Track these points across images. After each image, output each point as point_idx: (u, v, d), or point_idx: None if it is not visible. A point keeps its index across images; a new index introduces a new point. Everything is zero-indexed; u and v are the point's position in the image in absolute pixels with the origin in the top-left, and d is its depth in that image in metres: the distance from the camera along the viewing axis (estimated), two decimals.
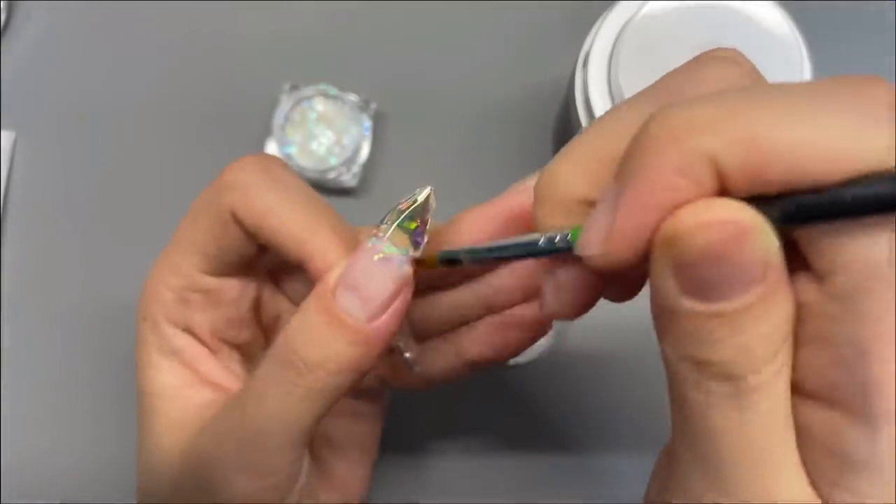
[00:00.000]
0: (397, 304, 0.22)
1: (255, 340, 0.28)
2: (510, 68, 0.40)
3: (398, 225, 0.23)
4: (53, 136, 0.39)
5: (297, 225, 0.24)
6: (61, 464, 0.37)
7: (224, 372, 0.26)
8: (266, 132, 0.38)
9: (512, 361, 0.37)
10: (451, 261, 0.22)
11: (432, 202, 0.24)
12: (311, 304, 0.22)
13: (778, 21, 0.27)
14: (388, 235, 0.23)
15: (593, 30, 0.30)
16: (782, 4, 0.27)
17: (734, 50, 0.17)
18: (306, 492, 0.26)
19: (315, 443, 0.28)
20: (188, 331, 0.26)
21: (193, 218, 0.26)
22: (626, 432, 0.36)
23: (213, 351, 0.27)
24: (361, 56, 0.40)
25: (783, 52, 0.27)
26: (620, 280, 0.19)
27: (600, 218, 0.16)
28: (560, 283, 0.19)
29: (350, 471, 0.30)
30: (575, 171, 0.18)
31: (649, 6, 0.27)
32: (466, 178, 0.39)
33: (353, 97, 0.38)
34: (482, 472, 0.37)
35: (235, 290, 0.27)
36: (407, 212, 0.23)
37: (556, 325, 0.36)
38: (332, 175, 0.37)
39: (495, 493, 0.37)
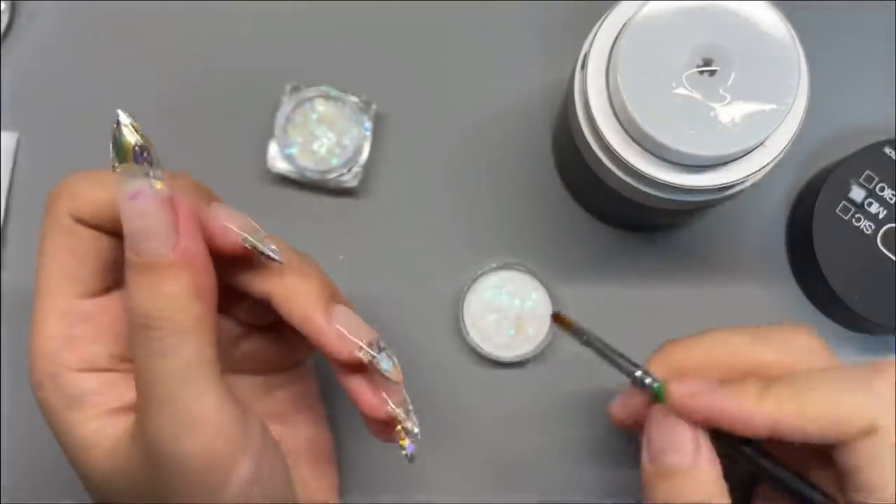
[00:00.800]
0: (184, 222, 0.23)
1: None
2: (510, 69, 0.40)
3: (121, 160, 0.23)
4: (56, 137, 0.40)
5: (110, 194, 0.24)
6: (61, 464, 0.37)
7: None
8: (267, 133, 0.38)
9: (509, 359, 0.37)
10: (576, 333, 0.28)
11: (127, 121, 0.24)
12: (126, 273, 0.23)
13: (776, 23, 0.27)
14: (123, 174, 0.23)
15: (592, 31, 0.30)
16: (780, 6, 0.28)
17: (807, 330, 0.28)
18: (280, 468, 0.26)
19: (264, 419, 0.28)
20: (87, 369, 0.25)
21: (43, 251, 0.25)
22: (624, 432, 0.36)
23: (121, 372, 0.26)
24: (362, 57, 0.40)
25: (780, 54, 0.27)
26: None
27: (693, 387, 0.26)
28: (631, 400, 0.28)
29: (310, 430, 0.31)
30: (691, 357, 0.27)
31: (648, 8, 0.27)
32: (466, 179, 0.39)
33: (353, 98, 0.38)
34: (478, 472, 0.37)
35: (116, 305, 0.26)
36: (120, 142, 0.24)
37: (553, 324, 0.36)
38: (333, 176, 0.38)
39: (490, 492, 0.37)
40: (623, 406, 0.29)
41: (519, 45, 0.40)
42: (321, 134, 0.38)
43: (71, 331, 0.25)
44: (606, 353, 0.27)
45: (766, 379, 0.25)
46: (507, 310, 0.37)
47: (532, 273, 0.37)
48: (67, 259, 0.25)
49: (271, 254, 0.25)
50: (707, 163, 0.28)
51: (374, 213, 0.39)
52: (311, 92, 0.38)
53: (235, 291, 0.27)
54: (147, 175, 0.23)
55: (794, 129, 0.29)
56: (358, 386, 0.27)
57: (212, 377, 0.24)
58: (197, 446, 0.23)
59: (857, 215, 0.36)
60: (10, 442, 0.37)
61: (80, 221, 0.25)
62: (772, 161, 0.29)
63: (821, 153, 0.39)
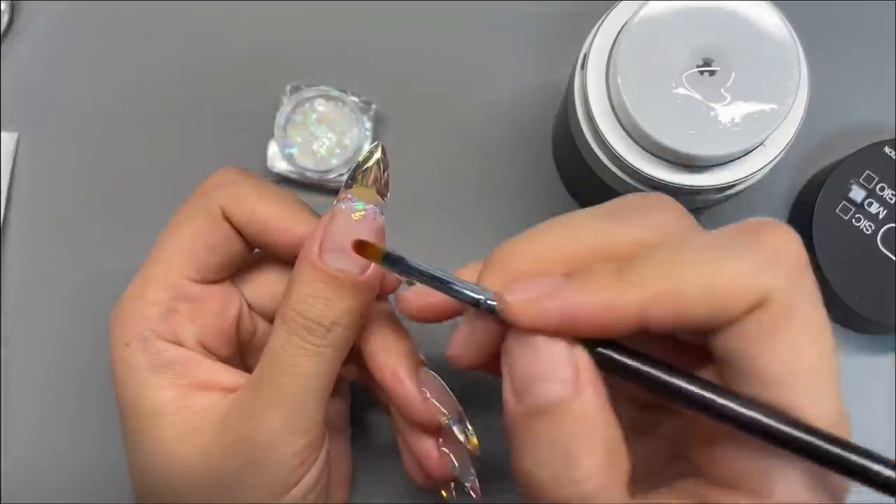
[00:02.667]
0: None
1: (234, 356, 0.28)
2: (510, 69, 0.40)
3: (362, 183, 0.25)
4: (56, 137, 0.40)
5: (283, 213, 0.26)
6: (61, 464, 0.37)
7: (222, 370, 0.27)
8: (267, 133, 0.38)
9: None
10: (393, 263, 0.22)
11: (385, 155, 0.26)
12: (303, 274, 0.24)
13: (775, 23, 0.27)
14: (356, 195, 0.25)
15: (592, 31, 0.30)
16: (780, 6, 0.28)
17: (667, 198, 0.22)
18: (328, 473, 0.27)
19: None
20: (177, 343, 0.26)
21: (178, 225, 0.27)
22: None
23: (204, 355, 0.27)
24: (362, 57, 0.40)
25: (780, 54, 0.27)
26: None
27: (532, 290, 0.20)
28: (475, 333, 0.22)
29: (332, 449, 0.31)
30: (528, 254, 0.21)
31: (647, 8, 0.28)
32: (466, 179, 0.39)
33: (353, 98, 0.38)
34: (478, 472, 0.37)
35: (220, 298, 0.27)
36: (366, 167, 0.25)
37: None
38: (333, 176, 0.38)
39: (490, 492, 0.37)
40: (466, 342, 0.22)
41: (519, 45, 0.40)
42: (321, 134, 0.38)
43: (172, 304, 0.26)
44: (431, 278, 0.21)
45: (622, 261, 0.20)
46: None
47: None
48: (199, 242, 0.26)
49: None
50: (707, 163, 0.28)
51: None
52: (311, 92, 0.38)
53: None
54: (381, 203, 0.25)
55: (794, 129, 0.29)
56: (426, 447, 0.27)
57: (328, 393, 0.25)
58: (297, 449, 0.25)
59: (856, 215, 0.36)
60: (10, 442, 0.37)
61: (227, 218, 0.26)
62: (772, 161, 0.29)
63: (820, 153, 0.39)
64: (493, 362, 0.22)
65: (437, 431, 0.27)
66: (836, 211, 0.36)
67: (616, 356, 0.20)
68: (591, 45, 0.29)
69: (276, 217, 0.26)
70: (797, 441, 0.19)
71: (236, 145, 0.39)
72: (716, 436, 0.20)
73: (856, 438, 0.35)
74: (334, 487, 0.31)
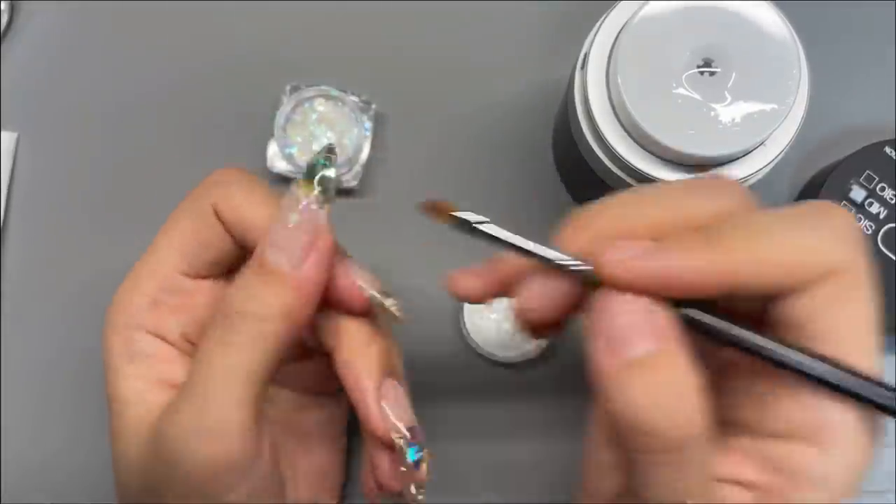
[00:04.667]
0: (318, 252, 0.25)
1: None
2: (510, 69, 0.40)
3: (306, 178, 0.25)
4: (56, 137, 0.40)
5: (266, 216, 0.26)
6: (61, 464, 0.37)
7: None
8: (267, 133, 0.38)
9: (509, 359, 0.37)
10: (461, 225, 0.23)
11: (333, 155, 0.26)
12: (246, 267, 0.25)
13: (776, 23, 0.27)
14: (298, 190, 0.25)
15: (592, 31, 0.30)
16: (780, 6, 0.28)
17: (732, 182, 0.23)
18: (276, 485, 0.26)
19: (283, 438, 0.29)
20: (158, 335, 0.27)
21: (174, 220, 0.27)
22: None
23: (182, 352, 0.27)
24: (362, 57, 0.40)
25: (780, 54, 0.27)
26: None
27: (626, 251, 0.21)
28: (548, 291, 0.23)
29: (325, 459, 0.32)
30: (615, 218, 0.22)
31: (648, 8, 0.27)
32: (466, 179, 0.39)
33: (353, 98, 0.38)
34: (477, 472, 0.37)
35: (209, 293, 0.27)
36: (313, 168, 0.25)
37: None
38: None
39: (489, 492, 0.37)
40: (541, 298, 0.23)
41: (519, 45, 0.40)
42: (321, 134, 0.38)
43: (159, 295, 0.27)
44: (509, 241, 0.22)
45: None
46: (507, 310, 0.37)
47: None
48: (191, 239, 0.27)
49: (395, 312, 0.27)
50: (707, 163, 0.28)
51: (374, 213, 0.39)
52: (311, 92, 0.38)
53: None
54: (320, 201, 0.25)
55: (794, 129, 0.29)
56: (380, 459, 0.27)
57: (253, 392, 0.24)
58: (211, 451, 0.23)
59: (857, 215, 0.36)
60: (10, 442, 0.37)
61: (220, 217, 0.27)
62: (772, 161, 0.29)
63: (821, 153, 0.39)
64: (556, 324, 0.23)
65: (391, 447, 0.27)
66: None
67: (700, 317, 0.22)
68: (591, 44, 0.29)
69: (259, 219, 0.26)
70: (862, 389, 0.21)
71: (236, 145, 0.39)
72: (773, 393, 0.22)
73: None
74: (314, 497, 0.31)
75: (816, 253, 0.21)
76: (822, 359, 0.21)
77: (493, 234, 0.22)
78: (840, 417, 0.21)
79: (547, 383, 0.37)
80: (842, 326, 0.21)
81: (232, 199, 0.26)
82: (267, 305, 0.24)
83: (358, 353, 0.27)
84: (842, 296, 0.21)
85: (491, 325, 0.37)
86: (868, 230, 0.36)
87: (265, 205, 0.26)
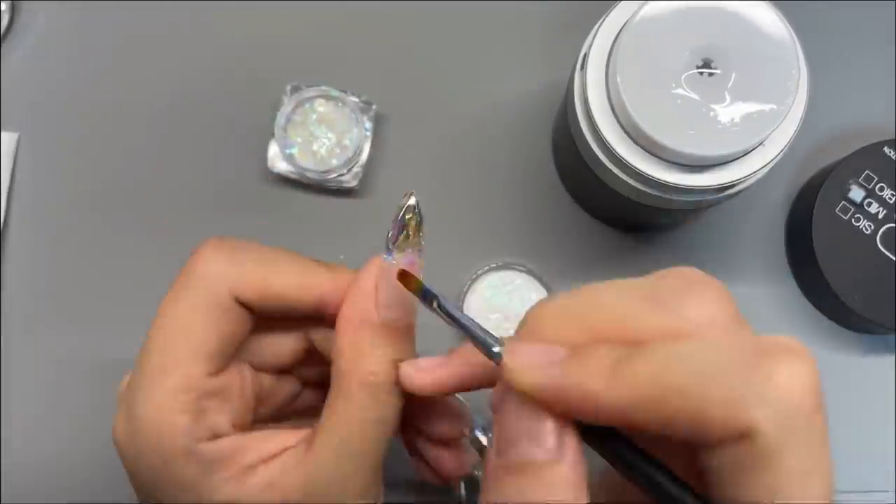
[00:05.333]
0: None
1: (253, 417, 0.28)
2: (510, 69, 0.40)
3: (403, 236, 0.25)
4: (57, 137, 0.40)
5: (296, 278, 0.26)
6: (61, 464, 0.37)
7: (262, 438, 0.26)
8: (268, 133, 0.38)
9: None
10: (427, 297, 0.23)
11: (418, 205, 0.26)
12: (363, 331, 0.25)
13: (775, 23, 0.27)
14: (397, 248, 0.25)
15: (592, 31, 0.30)
16: (779, 6, 0.28)
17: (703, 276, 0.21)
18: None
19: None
20: (216, 437, 0.25)
21: (181, 320, 0.25)
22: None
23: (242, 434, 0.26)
24: (362, 58, 0.40)
25: (780, 54, 0.27)
26: None
27: (532, 357, 0.20)
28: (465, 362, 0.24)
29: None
30: (554, 320, 0.21)
31: (647, 8, 0.28)
32: (466, 179, 0.39)
33: (354, 98, 0.38)
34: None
35: (237, 380, 0.27)
36: (408, 220, 0.26)
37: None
38: (333, 176, 0.38)
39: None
40: (451, 372, 0.24)
41: (519, 45, 0.40)
42: (321, 134, 0.38)
43: (200, 405, 0.25)
44: (456, 321, 0.23)
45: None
46: (507, 310, 0.37)
47: (532, 273, 0.37)
48: (214, 337, 0.25)
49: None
50: (706, 163, 0.28)
51: (374, 213, 0.39)
52: (311, 92, 0.38)
53: (313, 355, 0.28)
54: (399, 270, 0.25)
55: (794, 130, 0.29)
56: (441, 455, 0.28)
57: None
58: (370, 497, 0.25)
59: (856, 215, 0.36)
60: (10, 442, 0.37)
61: (240, 301, 0.25)
62: (771, 161, 0.29)
63: (820, 153, 0.39)
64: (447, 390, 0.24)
65: (451, 444, 0.28)
66: (836, 211, 0.36)
67: (603, 443, 0.20)
68: (591, 45, 0.29)
69: (293, 284, 0.26)
70: None
71: (237, 145, 0.39)
72: None
73: (856, 438, 0.35)
74: None
75: (726, 411, 0.18)
76: None
77: (447, 308, 0.23)
78: None
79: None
80: (749, 496, 0.18)
81: (252, 277, 0.25)
82: (390, 365, 0.25)
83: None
84: (755, 464, 0.18)
85: (491, 325, 0.37)
86: (867, 230, 0.36)
87: (288, 267, 0.26)
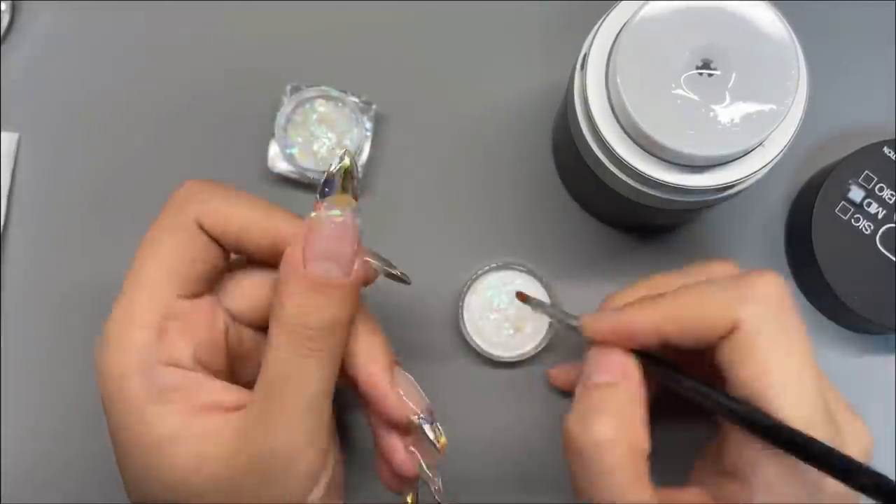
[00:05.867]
0: (360, 256, 0.26)
1: (226, 369, 0.28)
2: (510, 70, 0.40)
3: (332, 186, 0.25)
4: (57, 137, 0.40)
5: (259, 216, 0.27)
6: (62, 464, 0.37)
7: (221, 389, 0.26)
8: (268, 133, 0.38)
9: (509, 359, 0.37)
10: (527, 301, 0.34)
11: (355, 162, 0.26)
12: (294, 285, 0.25)
13: (774, 23, 0.27)
14: (332, 203, 0.25)
15: (592, 31, 0.30)
16: (779, 6, 0.28)
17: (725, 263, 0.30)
18: (340, 487, 0.28)
19: None
20: (175, 364, 0.26)
21: (155, 243, 0.26)
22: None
23: (204, 374, 0.27)
24: (363, 58, 0.40)
25: (779, 54, 0.27)
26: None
27: (596, 315, 0.29)
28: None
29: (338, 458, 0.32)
30: (617, 299, 0.30)
31: (647, 8, 0.28)
32: (466, 179, 0.39)
33: (354, 99, 0.38)
34: (477, 472, 0.37)
35: (208, 311, 0.27)
36: (337, 174, 0.26)
37: (552, 323, 0.37)
38: None
39: (489, 492, 0.37)
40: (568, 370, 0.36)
41: (519, 45, 0.40)
42: (321, 134, 0.38)
43: (163, 323, 0.26)
44: (551, 312, 0.32)
45: None
46: (507, 310, 0.37)
47: (532, 273, 0.37)
48: (179, 258, 0.26)
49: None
50: (706, 163, 0.28)
51: (374, 213, 0.39)
52: (311, 92, 0.38)
53: None
54: (350, 207, 0.26)
55: (793, 130, 0.29)
56: (394, 444, 0.28)
57: (330, 404, 0.26)
58: (311, 459, 0.25)
59: (856, 215, 0.36)
60: (10, 442, 0.37)
61: (203, 229, 0.26)
62: (771, 161, 0.29)
63: (820, 153, 0.39)
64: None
65: (407, 431, 0.28)
66: (836, 211, 0.36)
67: (646, 362, 0.28)
68: (591, 45, 0.29)
69: (253, 220, 0.26)
70: (758, 426, 0.24)
71: (237, 145, 0.39)
72: (725, 433, 0.27)
73: None
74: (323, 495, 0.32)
75: (719, 311, 0.26)
76: (731, 400, 0.25)
77: (542, 305, 0.33)
78: (761, 461, 0.25)
79: (546, 383, 0.38)
80: (746, 375, 0.25)
81: (216, 210, 0.26)
82: (339, 315, 0.25)
83: (367, 344, 0.27)
84: (744, 348, 0.25)
85: (491, 325, 0.37)
86: (867, 230, 0.36)
87: (253, 208, 0.27)
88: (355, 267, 0.25)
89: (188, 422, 0.25)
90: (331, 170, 0.26)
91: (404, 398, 0.27)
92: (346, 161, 0.26)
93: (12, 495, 0.37)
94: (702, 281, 0.28)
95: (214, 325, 0.27)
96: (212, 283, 0.28)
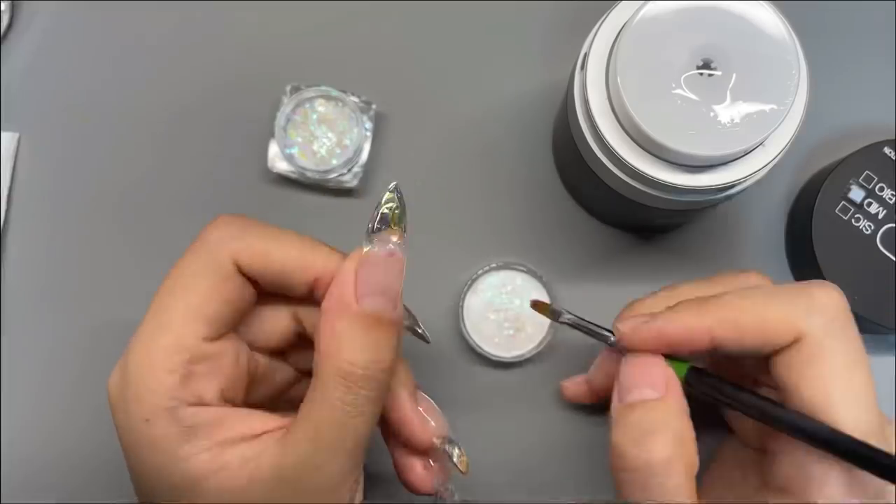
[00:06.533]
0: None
1: (247, 398, 0.28)
2: (510, 69, 0.40)
3: (388, 224, 0.25)
4: (57, 137, 0.40)
5: (298, 254, 0.26)
6: (62, 464, 0.37)
7: (246, 417, 0.26)
8: (268, 133, 0.38)
9: (509, 359, 0.37)
10: (556, 315, 0.30)
11: (402, 195, 0.26)
12: (344, 322, 0.24)
13: (775, 23, 0.27)
14: (383, 236, 0.25)
15: (592, 31, 0.30)
16: (779, 7, 0.28)
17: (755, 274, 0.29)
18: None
19: None
20: (201, 404, 0.26)
21: (186, 283, 0.26)
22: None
23: (230, 408, 0.27)
24: (362, 57, 0.40)
25: (780, 54, 0.27)
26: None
27: (636, 319, 0.27)
28: (603, 364, 0.33)
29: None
30: (644, 307, 0.29)
31: (647, 8, 0.28)
32: (466, 179, 0.39)
33: (354, 98, 0.38)
34: (477, 472, 0.37)
35: (232, 350, 0.27)
36: (389, 210, 0.26)
37: (552, 323, 0.37)
38: (333, 176, 0.38)
39: (489, 492, 0.37)
40: (597, 371, 0.33)
41: (519, 45, 0.40)
42: (321, 134, 0.38)
43: (190, 368, 0.25)
44: (582, 325, 0.29)
45: None
46: (507, 310, 0.37)
47: (532, 273, 0.37)
48: (212, 300, 0.25)
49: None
50: (707, 163, 0.28)
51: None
52: (311, 92, 0.38)
53: (305, 340, 0.29)
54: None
55: (794, 130, 0.29)
56: (413, 462, 0.28)
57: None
58: (351, 486, 0.26)
59: (856, 215, 0.36)
60: (10, 442, 0.37)
61: (240, 268, 0.26)
62: (771, 161, 0.29)
63: (820, 153, 0.39)
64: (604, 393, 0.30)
65: (427, 452, 0.28)
66: (836, 211, 0.36)
67: (696, 375, 0.27)
68: (591, 45, 0.29)
69: (295, 257, 0.26)
70: (826, 440, 0.24)
71: (237, 145, 0.39)
72: (776, 449, 0.26)
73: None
74: None
75: (783, 321, 0.25)
76: (790, 412, 0.25)
77: (573, 317, 0.30)
78: (822, 475, 0.24)
79: (547, 383, 0.38)
80: (809, 388, 0.24)
81: (253, 248, 0.26)
82: (393, 352, 0.25)
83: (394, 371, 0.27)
84: (809, 360, 0.25)
85: (491, 325, 0.37)
86: (867, 230, 0.36)
87: (292, 243, 0.26)
88: (399, 302, 0.25)
89: (217, 455, 0.25)
90: (382, 203, 0.25)
91: (429, 422, 0.28)
92: (396, 195, 0.25)
93: (12, 495, 0.37)
94: (756, 287, 0.27)
95: (239, 362, 0.27)
96: (239, 322, 0.27)
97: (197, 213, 0.39)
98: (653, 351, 0.27)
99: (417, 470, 0.28)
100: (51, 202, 0.39)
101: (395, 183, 0.26)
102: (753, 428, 0.29)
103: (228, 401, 0.27)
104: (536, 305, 0.31)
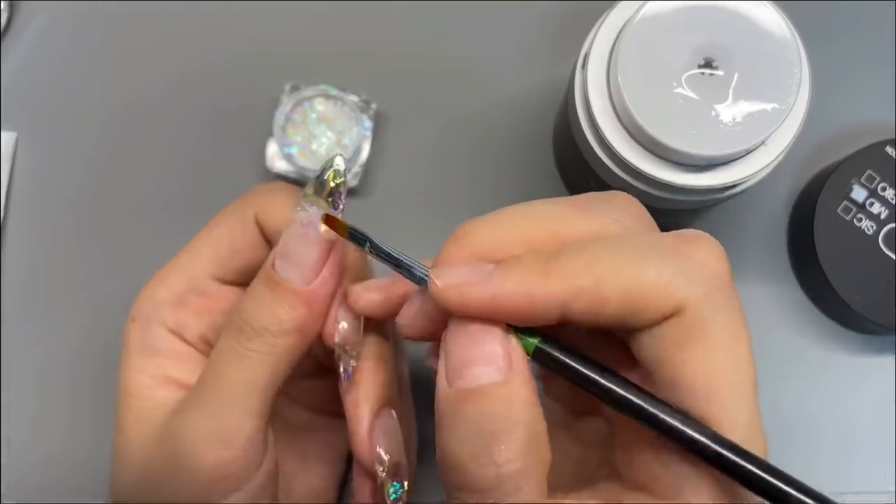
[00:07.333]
0: (329, 268, 0.24)
1: None
2: (510, 69, 0.40)
3: (316, 193, 0.24)
4: (55, 137, 0.40)
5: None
6: (61, 464, 0.37)
7: (199, 370, 0.27)
8: (267, 133, 0.38)
9: None
10: (356, 238, 0.23)
11: (342, 166, 0.25)
12: (257, 278, 0.25)
13: (776, 23, 0.27)
14: (307, 203, 0.24)
15: (593, 30, 0.30)
16: (781, 6, 0.28)
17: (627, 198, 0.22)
18: (269, 498, 0.26)
19: (285, 454, 0.29)
20: (177, 333, 0.27)
21: (214, 223, 0.28)
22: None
23: (199, 353, 0.27)
24: (362, 56, 0.40)
25: (781, 53, 0.27)
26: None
27: (460, 276, 0.20)
28: (421, 309, 0.22)
29: (319, 482, 0.31)
30: (486, 233, 0.21)
31: (648, 7, 0.27)
32: (466, 178, 0.39)
33: (353, 97, 0.38)
34: None
35: (231, 299, 0.28)
36: (323, 179, 0.24)
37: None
38: None
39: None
40: (412, 315, 0.22)
41: (519, 45, 0.40)
42: (321, 133, 0.38)
43: (185, 294, 0.27)
44: (386, 255, 0.22)
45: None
46: None
47: None
48: (227, 245, 0.27)
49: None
50: (708, 162, 0.28)
51: (374, 213, 0.39)
52: (310, 91, 0.38)
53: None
54: (323, 214, 0.24)
55: (796, 129, 0.29)
56: (362, 486, 0.27)
57: (263, 404, 0.25)
58: (218, 461, 0.24)
59: (858, 215, 0.36)
60: (10, 442, 0.37)
61: (260, 225, 0.27)
62: (773, 161, 0.29)
63: (822, 153, 0.39)
64: (438, 336, 0.21)
65: (373, 477, 0.26)
66: (838, 211, 0.36)
67: (549, 350, 0.20)
68: (591, 44, 0.29)
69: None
70: (705, 448, 0.19)
71: (235, 145, 0.39)
72: (635, 440, 0.21)
73: (856, 438, 0.35)
74: None
75: (659, 289, 0.19)
76: (662, 406, 0.19)
77: (378, 245, 0.23)
78: (691, 478, 0.20)
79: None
80: (687, 372, 0.19)
81: (274, 208, 0.27)
82: (279, 321, 0.24)
83: (362, 377, 0.26)
84: (688, 337, 0.19)
85: None
86: (869, 230, 0.36)
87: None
88: (318, 281, 0.24)
89: (155, 384, 0.26)
90: (319, 171, 0.25)
91: (377, 445, 0.25)
92: (339, 164, 0.24)
93: (12, 495, 0.37)
94: (620, 238, 0.20)
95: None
96: (249, 278, 0.27)
97: (196, 212, 0.39)
98: (481, 319, 0.20)
99: (363, 493, 0.27)
100: (49, 202, 0.39)
101: (337, 152, 0.26)
102: (567, 385, 0.22)
103: (211, 346, 0.27)
104: (329, 221, 0.24)
